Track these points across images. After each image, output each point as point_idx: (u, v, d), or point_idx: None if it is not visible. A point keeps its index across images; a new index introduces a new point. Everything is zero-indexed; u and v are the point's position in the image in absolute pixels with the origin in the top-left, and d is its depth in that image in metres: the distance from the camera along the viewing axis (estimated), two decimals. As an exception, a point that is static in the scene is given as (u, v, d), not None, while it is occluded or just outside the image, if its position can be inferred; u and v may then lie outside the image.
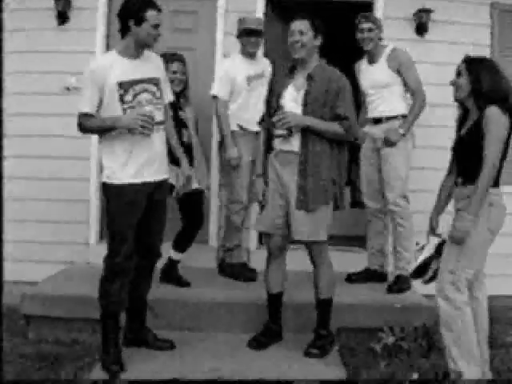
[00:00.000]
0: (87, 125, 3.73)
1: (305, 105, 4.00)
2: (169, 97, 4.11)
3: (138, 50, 3.79)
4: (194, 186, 4.85)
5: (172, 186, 4.51)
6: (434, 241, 3.83)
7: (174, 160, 4.38)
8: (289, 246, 4.26)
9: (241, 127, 5.20)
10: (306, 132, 3.97)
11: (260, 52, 5.49)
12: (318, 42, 4.08)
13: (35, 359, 4.03)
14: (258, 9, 5.81)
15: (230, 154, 5.14)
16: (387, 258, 5.30)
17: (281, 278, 4.24)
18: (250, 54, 5.22)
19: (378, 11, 5.81)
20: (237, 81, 5.14)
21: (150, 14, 3.68)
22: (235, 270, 5.31)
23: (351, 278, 5.21)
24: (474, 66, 3.60)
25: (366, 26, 5.00)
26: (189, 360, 4.03)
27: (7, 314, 5.01)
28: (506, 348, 4.52)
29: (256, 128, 4.81)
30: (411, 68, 5.01)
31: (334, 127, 3.99)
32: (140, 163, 3.80)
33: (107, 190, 3.83)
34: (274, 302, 4.27)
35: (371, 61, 5.13)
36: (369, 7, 5.87)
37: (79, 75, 5.36)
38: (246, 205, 5.27)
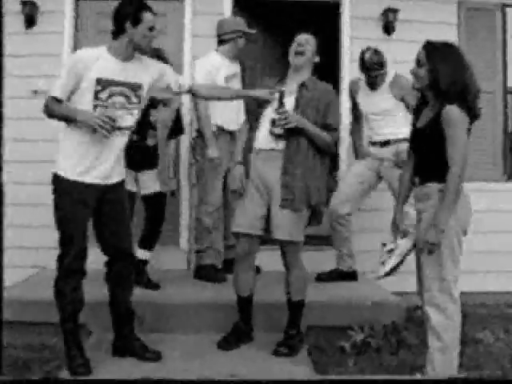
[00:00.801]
0: (53, 108, 3.65)
1: (296, 108, 4.03)
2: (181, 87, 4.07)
3: (129, 51, 3.77)
4: (155, 188, 4.95)
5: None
6: (404, 244, 3.72)
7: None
8: (259, 247, 4.24)
9: (220, 127, 5.21)
10: (293, 131, 3.97)
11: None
12: (316, 59, 4.20)
13: (3, 365, 3.98)
14: (226, 10, 5.84)
15: (212, 154, 5.11)
16: (354, 258, 5.32)
17: (251, 281, 4.22)
18: (234, 56, 5.30)
19: (345, 12, 5.85)
20: (217, 81, 5.10)
21: (146, 15, 3.70)
22: (206, 273, 5.30)
23: (321, 278, 5.23)
24: (433, 55, 3.40)
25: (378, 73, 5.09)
26: (156, 362, 4.00)
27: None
28: (475, 345, 4.54)
29: (233, 128, 4.99)
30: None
31: (325, 135, 4.05)
32: (92, 162, 3.75)
33: (57, 182, 3.76)
34: (245, 304, 4.26)
35: (372, 87, 5.18)
36: (336, 8, 5.91)
37: (46, 79, 5.44)
38: (219, 206, 5.25)
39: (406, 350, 4.28)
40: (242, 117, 4.66)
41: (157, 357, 4.05)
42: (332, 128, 4.08)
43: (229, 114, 5.18)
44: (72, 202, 3.72)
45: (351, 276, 5.26)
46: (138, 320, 4.25)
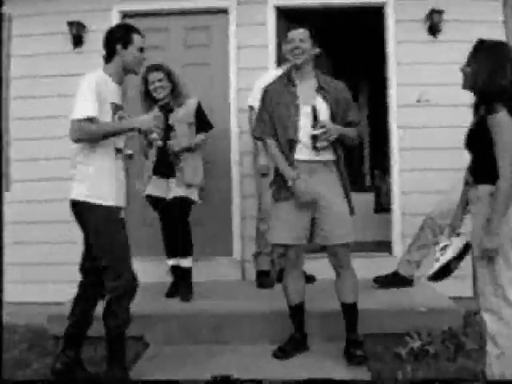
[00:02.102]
0: (90, 129, 3.59)
1: (331, 117, 4.03)
2: None
3: (123, 75, 3.88)
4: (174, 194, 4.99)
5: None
6: (458, 243, 3.65)
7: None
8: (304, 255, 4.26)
9: None
10: (335, 141, 4.02)
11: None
12: (315, 51, 4.12)
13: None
14: (269, 21, 5.84)
15: (259, 162, 5.29)
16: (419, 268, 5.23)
17: (301, 288, 4.22)
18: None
19: (390, 15, 5.80)
20: None
21: (136, 37, 3.83)
22: (257, 278, 5.47)
23: (378, 281, 5.19)
24: (478, 54, 3.31)
25: None
26: (213, 371, 3.97)
27: (37, 335, 5.12)
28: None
29: None
30: None
31: (353, 132, 4.10)
32: (118, 185, 3.82)
33: (96, 210, 3.70)
34: (297, 312, 4.26)
35: None
36: (379, 12, 5.87)
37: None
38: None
39: (465, 356, 4.19)
40: None
41: None
42: (355, 123, 4.13)
43: None
44: (118, 226, 3.77)
45: (408, 283, 5.17)
46: None
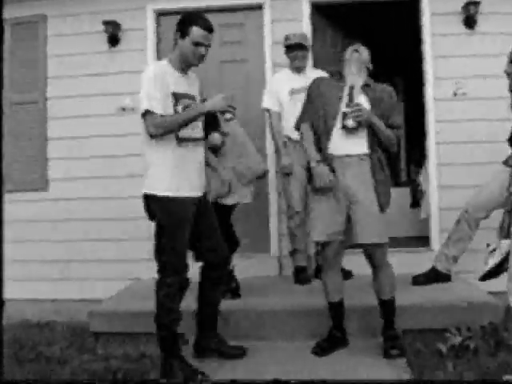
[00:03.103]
0: (164, 122, 3.62)
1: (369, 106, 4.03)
2: None
3: (182, 64, 3.82)
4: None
5: None
6: (505, 246, 3.60)
7: None
8: (343, 251, 4.24)
9: (287, 137, 5.35)
10: (371, 137, 4.01)
11: (309, 65, 5.55)
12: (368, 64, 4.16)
13: (104, 375, 4.09)
14: (305, 16, 5.83)
15: (282, 163, 5.36)
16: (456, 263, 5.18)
17: (340, 285, 4.21)
18: (297, 69, 5.38)
19: (425, 8, 5.75)
20: (281, 94, 5.34)
21: (195, 29, 3.71)
22: (293, 275, 5.48)
23: (417, 280, 5.15)
24: None
25: None
26: (252, 368, 4.03)
27: (76, 332, 5.17)
28: None
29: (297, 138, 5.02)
30: None
31: (390, 133, 4.05)
32: (190, 177, 3.83)
33: (162, 202, 3.75)
34: (336, 309, 4.25)
35: None
36: (415, 5, 5.81)
37: (132, 96, 5.58)
38: (299, 211, 5.36)
39: (506, 351, 4.15)
40: None
41: (242, 352, 4.17)
42: (395, 126, 4.09)
43: (293, 124, 5.23)
44: (181, 220, 3.78)
45: (446, 278, 5.12)
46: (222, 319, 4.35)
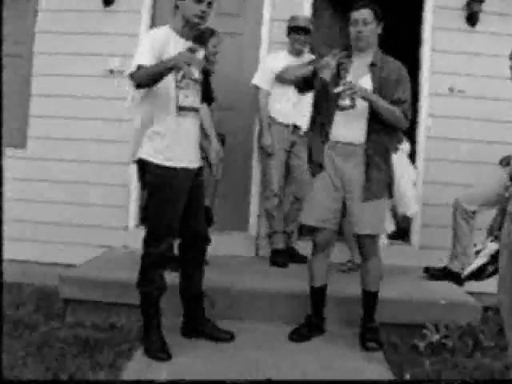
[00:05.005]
0: (140, 74, 3.47)
1: (374, 90, 3.89)
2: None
3: (187, 29, 3.70)
4: None
5: None
6: (492, 248, 3.54)
7: None
8: (334, 240, 4.18)
9: (272, 118, 5.33)
10: (371, 122, 3.89)
11: (306, 50, 5.45)
12: (380, 30, 4.01)
13: (73, 344, 3.97)
14: (307, -7, 5.70)
15: (263, 142, 5.32)
16: (468, 258, 5.09)
17: (325, 271, 4.14)
18: (296, 52, 5.33)
19: (428, 1, 5.66)
20: (274, 74, 5.27)
21: None
22: (270, 257, 5.44)
23: (428, 271, 5.11)
24: None
25: None
26: (229, 351, 3.96)
27: (43, 296, 5.04)
28: None
29: (286, 121, 5.25)
30: None
31: (394, 109, 3.88)
32: (189, 147, 3.75)
33: (154, 170, 3.66)
34: (317, 294, 4.18)
35: None
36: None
37: (123, 58, 5.42)
38: (277, 193, 5.34)
39: (482, 353, 4.13)
40: (305, 112, 4.91)
41: (230, 336, 4.09)
42: (401, 101, 3.92)
43: (283, 106, 5.30)
44: (176, 191, 3.70)
45: (457, 277, 5.00)
46: (209, 302, 4.27)
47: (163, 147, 3.64)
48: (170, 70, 3.45)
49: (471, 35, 5.62)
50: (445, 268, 5.06)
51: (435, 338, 4.16)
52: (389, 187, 4.06)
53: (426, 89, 5.66)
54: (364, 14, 3.90)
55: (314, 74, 4.01)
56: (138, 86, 3.55)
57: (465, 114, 5.54)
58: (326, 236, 4.04)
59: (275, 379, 3.54)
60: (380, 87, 3.90)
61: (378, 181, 3.95)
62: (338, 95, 3.82)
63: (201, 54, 3.49)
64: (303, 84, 4.22)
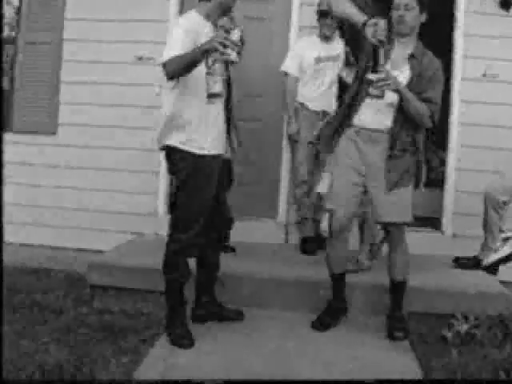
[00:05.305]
0: (172, 63, 3.43)
1: (408, 87, 3.76)
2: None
3: (219, 13, 3.72)
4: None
5: None
6: None
7: None
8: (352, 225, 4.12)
9: (301, 104, 5.27)
10: (399, 112, 3.79)
11: (336, 35, 5.36)
12: (423, 18, 3.86)
13: (98, 330, 3.99)
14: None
15: (290, 130, 5.29)
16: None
17: (344, 258, 4.09)
18: (325, 37, 5.25)
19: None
20: (305, 59, 5.22)
21: None
22: (300, 245, 5.39)
23: (459, 263, 5.01)
24: None
25: None
26: (254, 338, 3.95)
27: (72, 282, 5.07)
28: None
29: (316, 108, 5.17)
30: None
31: (423, 107, 3.77)
32: (219, 134, 3.76)
33: (186, 158, 3.66)
34: (337, 281, 4.13)
35: None
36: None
37: (152, 45, 5.41)
38: (307, 180, 5.29)
39: (512, 344, 4.04)
40: (333, 100, 5.09)
41: (240, 316, 4.15)
42: (432, 101, 3.80)
43: (313, 93, 5.26)
44: (207, 178, 3.71)
45: (487, 267, 4.85)
46: (220, 284, 4.27)
47: (194, 135, 3.64)
48: (204, 53, 3.41)
49: (505, 19, 5.43)
50: (475, 257, 4.95)
51: (464, 328, 4.07)
52: (416, 177, 3.96)
53: (459, 74, 5.52)
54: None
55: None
56: (171, 77, 3.52)
57: (499, 100, 5.39)
58: (342, 221, 3.96)
59: (297, 369, 3.51)
60: (416, 81, 3.79)
61: (401, 170, 3.86)
62: (369, 81, 3.71)
63: (235, 34, 3.38)
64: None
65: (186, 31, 3.53)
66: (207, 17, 3.67)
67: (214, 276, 4.10)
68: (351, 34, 4.13)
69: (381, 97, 3.73)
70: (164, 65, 3.49)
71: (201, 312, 4.10)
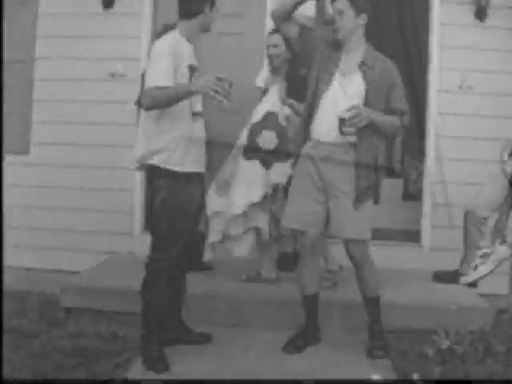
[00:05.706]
0: (159, 96, 3.42)
1: (366, 97, 3.67)
2: None
3: (198, 34, 3.75)
4: None
5: None
6: (503, 252, 3.37)
7: None
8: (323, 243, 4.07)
9: None
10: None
11: None
12: (362, 21, 3.73)
13: (71, 355, 3.90)
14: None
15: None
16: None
17: (316, 278, 3.99)
18: None
19: (437, -6, 5.53)
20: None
21: None
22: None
23: (438, 276, 4.98)
24: None
25: None
26: (229, 360, 3.86)
27: (46, 304, 4.97)
28: None
29: None
30: None
31: (394, 121, 3.71)
32: (200, 153, 3.72)
33: (168, 176, 3.58)
34: (310, 302, 4.03)
35: None
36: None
37: (124, 61, 5.35)
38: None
39: (494, 359, 3.98)
40: None
41: (206, 339, 4.05)
42: (401, 112, 3.72)
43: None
44: (190, 198, 3.69)
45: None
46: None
47: (179, 153, 3.58)
48: (192, 94, 3.46)
49: (480, 30, 5.43)
50: (455, 271, 4.91)
51: (445, 344, 4.02)
52: (375, 191, 3.84)
53: (434, 85, 5.50)
54: (338, 4, 3.70)
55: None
56: (150, 108, 3.50)
57: (474, 111, 5.37)
58: (312, 240, 3.87)
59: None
60: (373, 90, 3.68)
61: (366, 186, 3.75)
62: (340, 120, 3.56)
63: (227, 84, 3.38)
64: None
65: (169, 53, 3.49)
66: (189, 36, 3.65)
67: (181, 298, 4.00)
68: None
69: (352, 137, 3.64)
70: (150, 95, 3.46)
71: (170, 335, 3.96)
